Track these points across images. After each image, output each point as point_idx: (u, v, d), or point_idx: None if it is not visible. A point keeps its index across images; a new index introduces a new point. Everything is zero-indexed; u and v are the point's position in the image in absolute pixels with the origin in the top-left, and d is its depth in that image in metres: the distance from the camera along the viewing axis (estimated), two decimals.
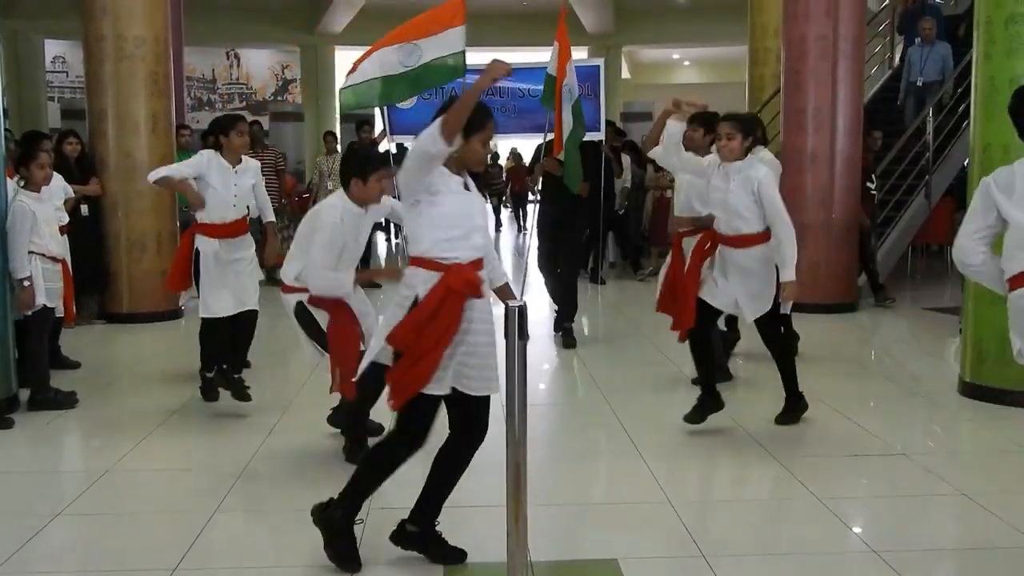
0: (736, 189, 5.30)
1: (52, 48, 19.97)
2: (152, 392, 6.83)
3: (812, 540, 4.16)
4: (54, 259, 6.29)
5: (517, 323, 3.51)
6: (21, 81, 18.25)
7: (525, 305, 3.56)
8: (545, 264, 8.42)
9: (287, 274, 5.10)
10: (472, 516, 4.35)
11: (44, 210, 6.25)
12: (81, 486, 4.81)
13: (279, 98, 22.60)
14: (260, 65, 23.21)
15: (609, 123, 12.09)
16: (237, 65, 23.17)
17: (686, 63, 26.70)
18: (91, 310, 9.28)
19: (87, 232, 8.52)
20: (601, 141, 10.97)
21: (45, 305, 6.20)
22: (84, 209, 8.49)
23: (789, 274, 5.22)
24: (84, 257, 7.70)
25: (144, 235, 9.37)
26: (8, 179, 6.30)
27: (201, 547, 4.09)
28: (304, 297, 4.99)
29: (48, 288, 6.20)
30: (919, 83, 11.60)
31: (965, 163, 9.62)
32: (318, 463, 5.10)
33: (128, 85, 9.26)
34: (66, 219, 7.41)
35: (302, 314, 5.05)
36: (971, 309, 6.45)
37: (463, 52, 6.98)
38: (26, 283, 6.03)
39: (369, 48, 7.35)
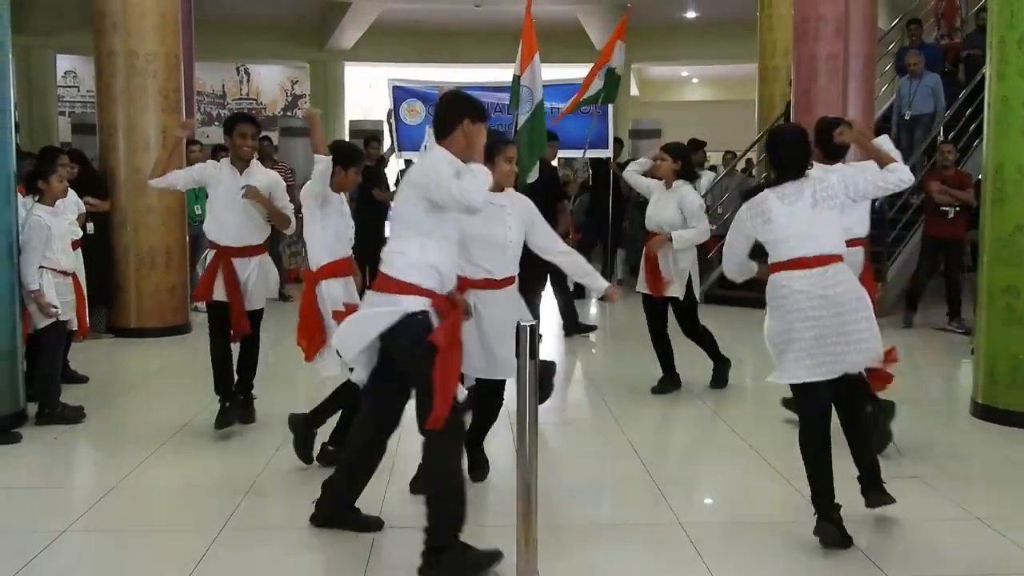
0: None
1: (63, 63, 20.05)
2: (159, 407, 6.81)
3: (823, 563, 4.12)
4: (65, 273, 6.30)
5: (529, 342, 3.49)
6: (32, 96, 18.33)
7: (537, 325, 3.55)
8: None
9: (316, 260, 5.28)
10: (482, 536, 4.31)
11: (58, 224, 6.28)
12: (88, 502, 4.79)
13: (289, 113, 22.65)
14: (270, 80, 23.29)
15: (617, 140, 12.12)
16: (247, 80, 23.25)
17: (695, 81, 26.72)
18: (99, 324, 9.27)
19: (96, 246, 8.51)
20: (609, 158, 10.96)
21: (58, 319, 6.21)
22: (90, 227, 8.49)
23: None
24: (93, 271, 7.69)
25: (153, 250, 9.37)
26: (20, 195, 6.33)
27: (208, 565, 4.06)
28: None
29: (60, 302, 6.21)
30: (906, 116, 11.30)
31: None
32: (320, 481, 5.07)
33: (139, 100, 9.28)
34: (79, 234, 7.42)
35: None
36: (984, 330, 6.41)
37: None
38: (33, 295, 6.09)
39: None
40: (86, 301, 6.55)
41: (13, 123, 6.22)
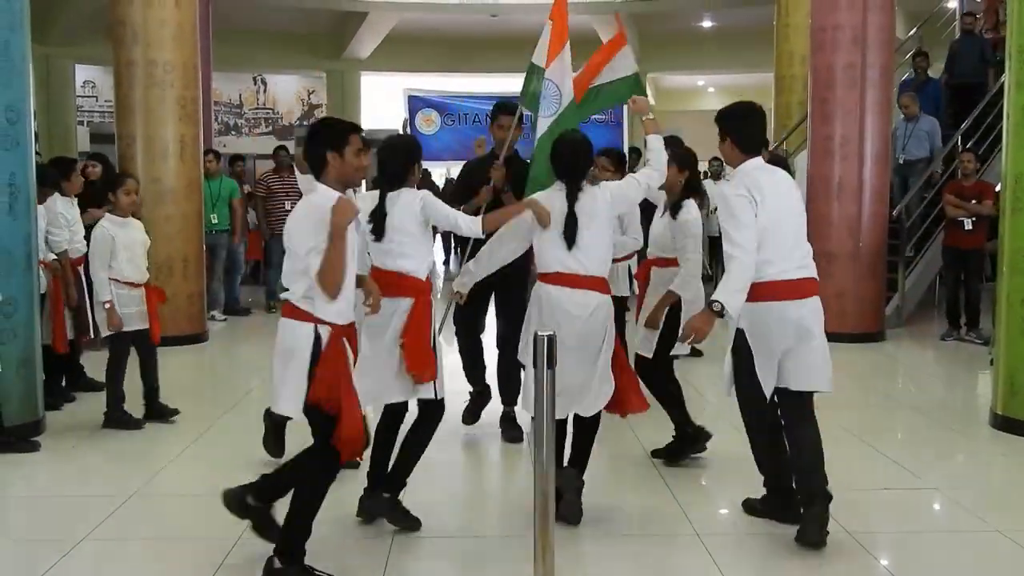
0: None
1: (82, 73, 20.16)
2: (178, 415, 6.82)
3: (841, 574, 4.09)
4: (132, 284, 6.33)
5: (546, 351, 3.49)
6: (51, 105, 18.43)
7: (554, 334, 3.54)
8: (464, 320, 6.25)
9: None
10: (498, 545, 4.31)
11: (125, 235, 6.32)
12: (106, 511, 4.80)
13: (305, 123, 22.73)
14: (286, 90, 23.36)
15: (633, 150, 12.09)
16: (264, 90, 23.32)
17: (711, 90, 26.66)
18: None
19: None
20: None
21: (122, 330, 6.30)
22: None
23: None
24: None
25: (171, 259, 9.39)
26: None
27: (225, 574, 4.07)
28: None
29: (124, 313, 6.26)
30: (901, 160, 11.00)
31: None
32: (342, 487, 5.06)
33: (157, 110, 9.33)
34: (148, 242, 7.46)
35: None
36: (1003, 341, 6.36)
37: (636, 74, 6.24)
38: (106, 306, 6.17)
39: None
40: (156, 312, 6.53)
41: (33, 133, 6.26)
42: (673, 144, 5.60)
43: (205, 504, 4.99)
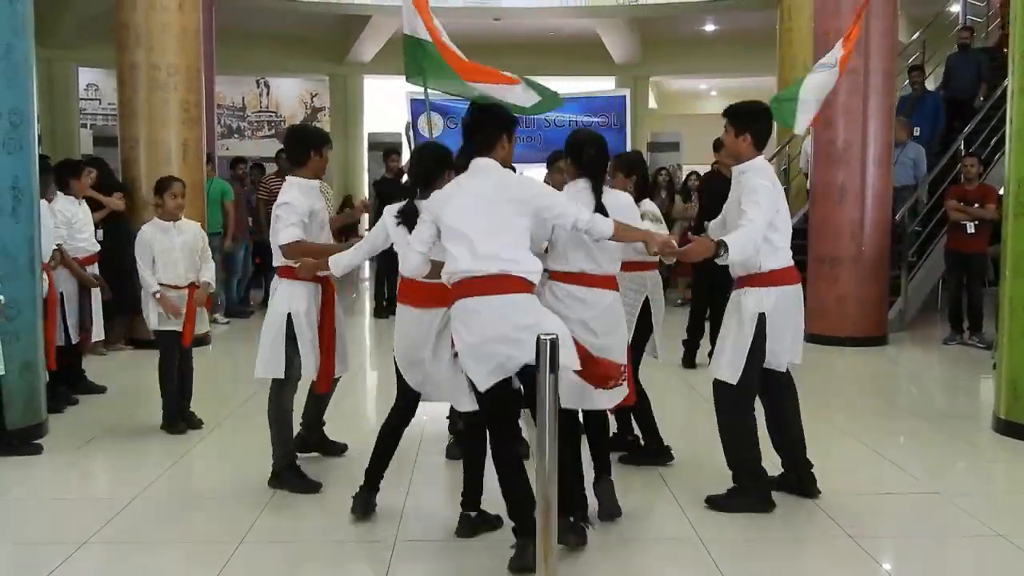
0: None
1: (85, 76, 20.19)
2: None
3: None
4: (175, 287, 6.33)
5: (549, 355, 3.49)
6: (54, 108, 18.47)
7: (557, 337, 3.54)
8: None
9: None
10: (501, 550, 4.31)
11: (166, 240, 6.34)
12: (108, 513, 4.80)
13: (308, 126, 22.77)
14: (289, 93, 23.39)
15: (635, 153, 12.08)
16: (267, 93, 23.35)
17: (713, 93, 26.66)
18: (118, 335, 9.31)
19: (115, 257, 8.54)
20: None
21: (164, 329, 6.34)
22: (99, 234, 8.52)
23: None
24: (111, 282, 7.73)
25: None
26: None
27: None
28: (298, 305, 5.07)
29: (160, 314, 6.29)
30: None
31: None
32: (345, 492, 5.07)
33: (160, 113, 9.34)
34: (98, 247, 7.51)
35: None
36: (1006, 345, 6.36)
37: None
38: (156, 295, 6.22)
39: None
40: (194, 315, 6.48)
41: (36, 136, 6.27)
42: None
43: (207, 507, 5.00)
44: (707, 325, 8.60)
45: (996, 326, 6.85)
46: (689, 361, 8.55)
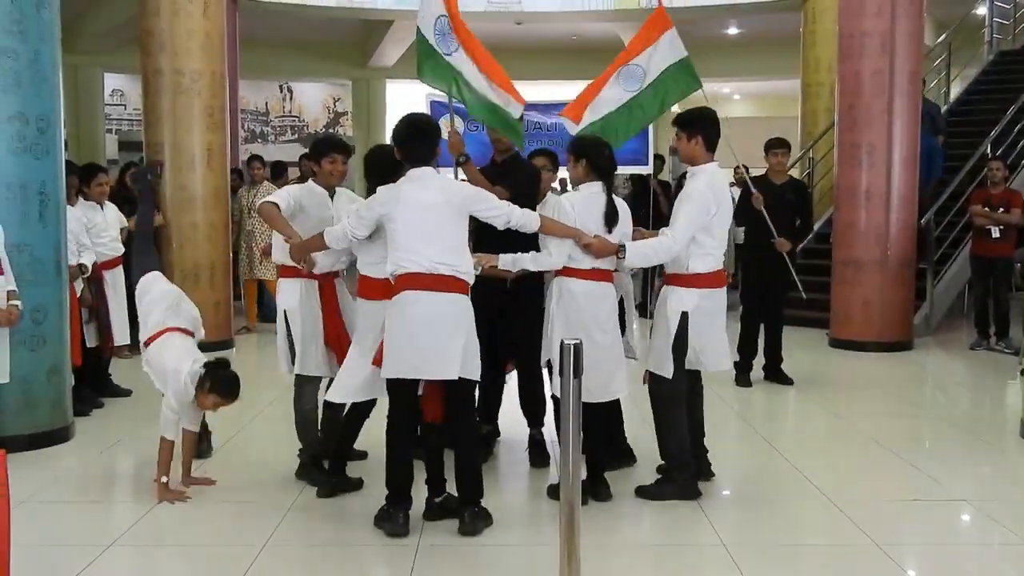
0: None
1: (111, 81, 20.36)
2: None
3: None
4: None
5: (573, 361, 3.48)
6: (80, 113, 18.62)
7: (580, 343, 3.54)
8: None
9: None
10: (524, 555, 4.31)
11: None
12: (133, 517, 4.82)
13: (331, 131, 22.83)
14: (312, 98, 23.50)
15: (657, 157, 12.04)
16: (290, 98, 23.48)
17: (736, 97, 26.58)
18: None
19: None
20: (649, 175, 10.87)
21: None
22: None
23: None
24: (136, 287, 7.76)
25: (198, 266, 9.46)
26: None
27: None
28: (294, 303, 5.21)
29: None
30: None
31: None
32: (367, 496, 5.08)
33: (184, 118, 9.39)
34: (122, 250, 7.55)
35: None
36: None
37: (688, 57, 6.37)
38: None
39: (586, 89, 6.20)
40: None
41: (63, 141, 6.32)
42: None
43: (231, 511, 5.02)
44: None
45: (1023, 331, 6.78)
46: (743, 379, 7.88)
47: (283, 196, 5.16)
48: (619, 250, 4.87)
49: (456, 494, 4.65)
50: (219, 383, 5.04)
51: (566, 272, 4.89)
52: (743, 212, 7.62)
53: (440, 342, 4.44)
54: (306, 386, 5.35)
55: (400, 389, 4.59)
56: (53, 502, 5.17)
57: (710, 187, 4.96)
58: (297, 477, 5.38)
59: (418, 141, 4.64)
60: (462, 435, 4.64)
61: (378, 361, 4.68)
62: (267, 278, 10.78)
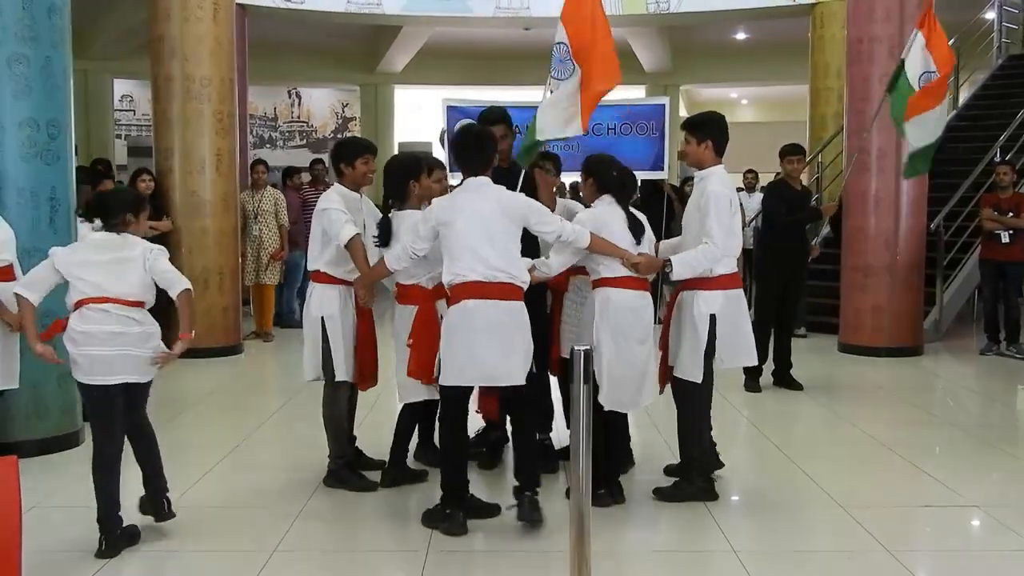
0: None
1: (120, 87, 20.44)
2: (212, 428, 6.87)
3: None
4: None
5: (583, 367, 3.47)
6: (90, 119, 18.70)
7: (591, 349, 3.53)
8: None
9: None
10: (535, 561, 4.30)
11: None
12: (142, 522, 4.82)
13: (339, 136, 22.87)
14: (321, 103, 23.54)
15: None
16: (298, 103, 23.52)
17: (744, 102, 26.58)
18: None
19: None
20: (663, 180, 10.86)
21: None
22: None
23: None
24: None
25: (207, 271, 9.47)
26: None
27: None
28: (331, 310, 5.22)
29: None
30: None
31: None
32: (377, 502, 5.08)
33: (194, 124, 9.42)
34: None
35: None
36: None
37: None
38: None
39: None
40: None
41: (73, 147, 6.34)
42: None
43: (240, 516, 5.02)
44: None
45: None
46: (753, 385, 7.87)
47: (351, 221, 5.13)
48: (665, 264, 4.93)
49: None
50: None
51: (606, 282, 4.94)
52: (775, 215, 7.92)
53: (503, 350, 4.51)
54: (339, 390, 5.37)
55: (456, 393, 4.68)
56: (63, 507, 5.18)
57: (725, 185, 5.01)
58: (327, 485, 5.33)
59: (476, 151, 4.71)
60: (525, 429, 4.79)
61: (415, 372, 4.93)
62: (271, 283, 10.78)
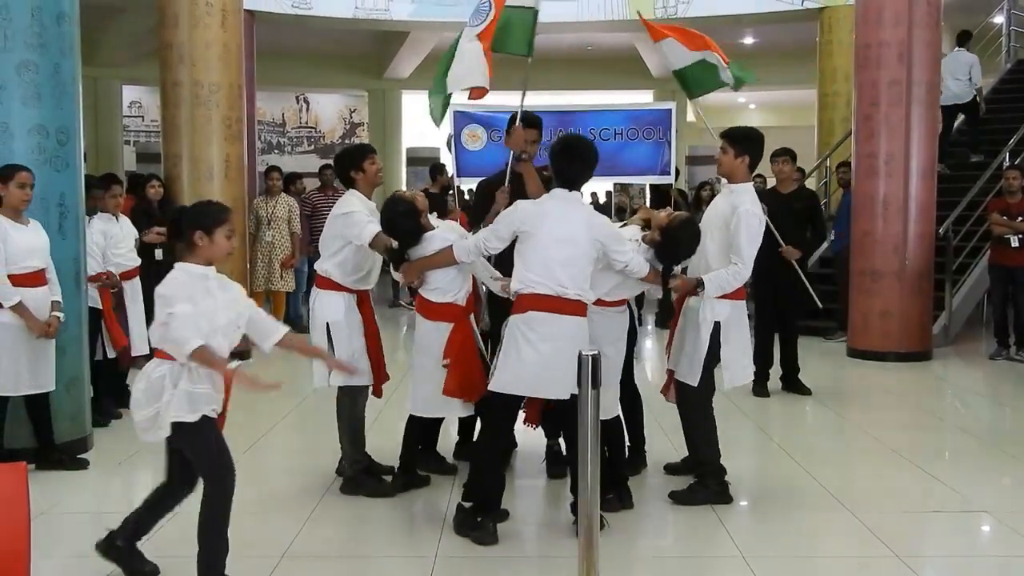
0: None
1: (129, 93, 20.52)
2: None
3: None
4: None
5: (591, 371, 3.47)
6: (99, 125, 18.78)
7: (599, 353, 3.53)
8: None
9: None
10: (543, 566, 4.29)
11: None
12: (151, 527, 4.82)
13: (347, 141, 22.93)
14: (329, 109, 23.62)
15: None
16: (306, 109, 23.61)
17: (752, 107, 26.58)
18: None
19: (160, 274, 8.63)
20: (671, 185, 10.86)
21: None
22: (159, 253, 8.59)
23: None
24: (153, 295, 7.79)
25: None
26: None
27: None
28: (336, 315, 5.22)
29: None
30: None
31: None
32: (386, 507, 5.08)
33: (203, 130, 9.45)
34: (138, 260, 7.56)
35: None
36: None
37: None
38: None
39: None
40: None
41: (82, 153, 6.36)
42: None
43: (248, 522, 5.02)
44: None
45: None
46: (760, 389, 7.84)
47: (372, 221, 5.13)
48: (699, 284, 4.98)
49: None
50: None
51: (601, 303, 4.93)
52: None
53: (561, 364, 4.42)
54: (355, 397, 5.36)
55: (505, 401, 4.64)
56: (72, 513, 5.19)
57: (756, 204, 5.08)
58: (344, 493, 5.31)
59: (582, 165, 4.67)
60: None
61: (454, 391, 4.92)
62: (283, 290, 10.79)
